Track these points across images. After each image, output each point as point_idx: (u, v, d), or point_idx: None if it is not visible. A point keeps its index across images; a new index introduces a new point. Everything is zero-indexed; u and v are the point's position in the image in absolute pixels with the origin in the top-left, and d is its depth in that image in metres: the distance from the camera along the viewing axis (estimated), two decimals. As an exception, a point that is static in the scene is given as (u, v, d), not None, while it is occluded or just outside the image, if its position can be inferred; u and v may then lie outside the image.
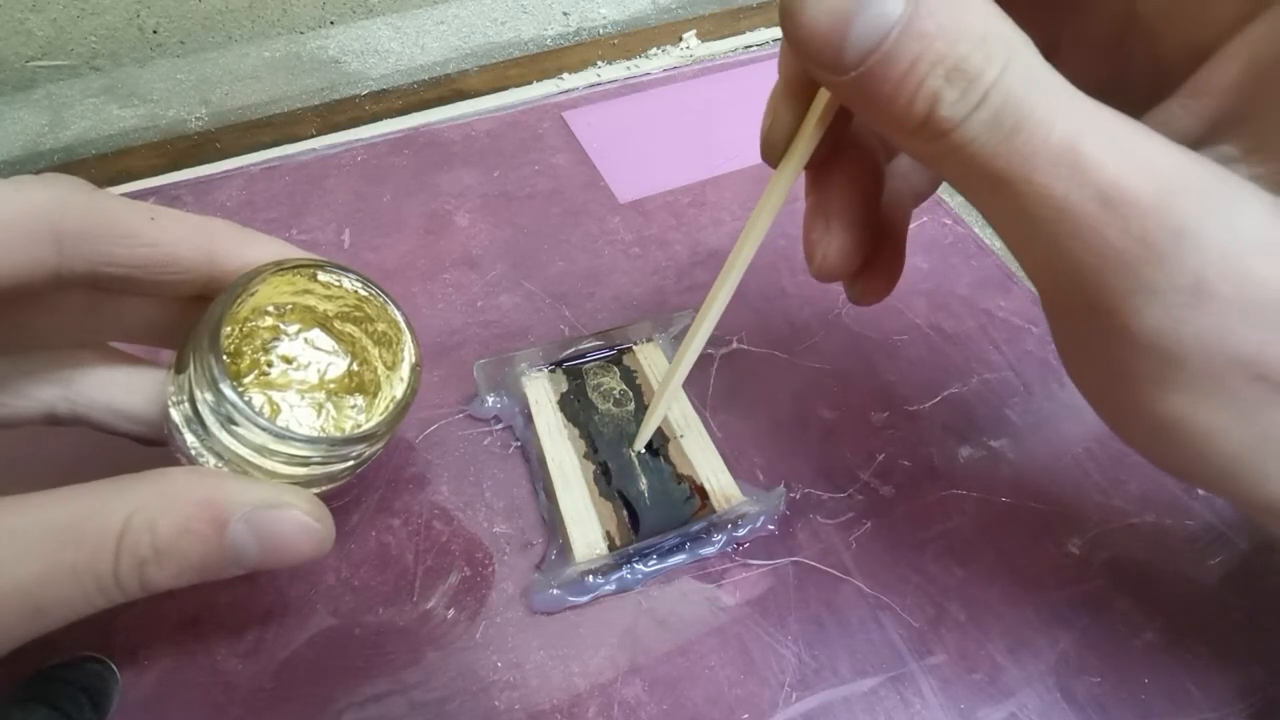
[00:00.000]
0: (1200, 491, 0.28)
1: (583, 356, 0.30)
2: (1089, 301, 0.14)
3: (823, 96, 0.18)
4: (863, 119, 0.18)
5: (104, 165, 0.39)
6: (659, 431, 0.28)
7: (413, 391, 0.22)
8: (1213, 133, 0.15)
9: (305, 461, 0.19)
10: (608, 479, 0.27)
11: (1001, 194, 0.14)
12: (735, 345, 0.31)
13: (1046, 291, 0.16)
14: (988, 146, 0.13)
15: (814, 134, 0.18)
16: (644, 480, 0.27)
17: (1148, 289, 0.13)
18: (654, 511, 0.26)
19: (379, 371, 0.23)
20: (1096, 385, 0.16)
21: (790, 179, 0.19)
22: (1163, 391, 0.14)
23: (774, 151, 0.20)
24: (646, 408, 0.29)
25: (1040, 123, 0.13)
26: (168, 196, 0.37)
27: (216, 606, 0.24)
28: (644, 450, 0.27)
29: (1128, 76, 0.17)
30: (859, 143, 0.20)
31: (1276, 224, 0.13)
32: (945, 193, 0.39)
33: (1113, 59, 0.17)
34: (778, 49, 0.47)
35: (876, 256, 0.21)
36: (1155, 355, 0.14)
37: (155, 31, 0.41)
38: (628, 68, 0.46)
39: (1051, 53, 0.18)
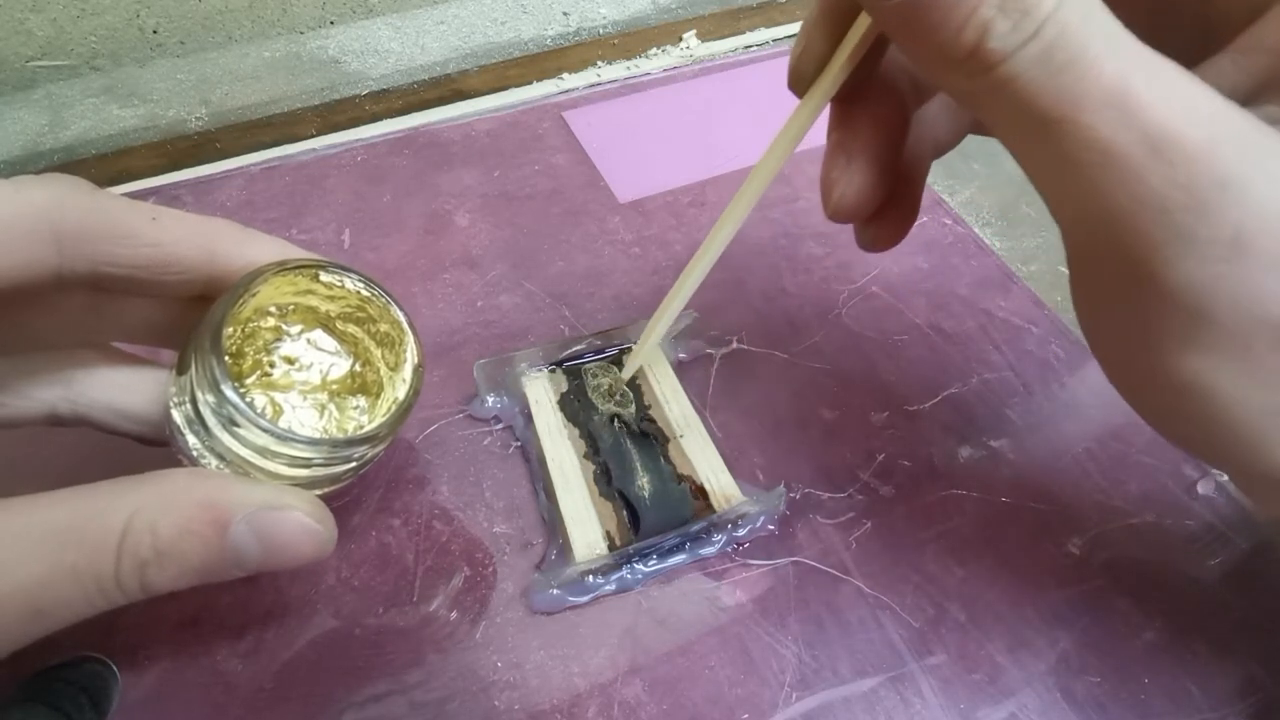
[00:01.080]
0: (1200, 491, 0.28)
1: (583, 356, 0.30)
2: (1122, 250, 0.14)
3: (859, 26, 0.17)
4: (904, 49, 0.18)
5: (104, 165, 0.39)
6: (659, 431, 0.28)
7: (415, 392, 0.22)
8: (1261, 90, 0.14)
9: (307, 463, 0.19)
10: (608, 479, 0.27)
11: (1044, 135, 0.13)
12: (735, 345, 0.31)
13: (1077, 241, 0.15)
14: (1036, 82, 0.13)
15: (846, 64, 0.18)
16: (644, 480, 0.27)
17: (1186, 238, 0.13)
18: (654, 511, 0.26)
19: (381, 372, 0.23)
20: (1114, 344, 0.16)
21: (815, 110, 0.19)
22: (1185, 350, 0.14)
23: (802, 80, 0.19)
24: (647, 408, 0.29)
25: (1094, 60, 0.12)
26: (168, 196, 0.37)
27: (217, 607, 0.24)
28: (628, 389, 0.28)
29: (1174, 28, 0.16)
30: (888, 82, 0.20)
31: None
32: (945, 193, 0.39)
33: (1163, 11, 0.17)
34: (778, 49, 0.47)
35: (891, 204, 0.21)
36: (1183, 309, 0.13)
37: (155, 31, 0.41)
38: (628, 68, 0.46)
39: None
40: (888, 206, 0.21)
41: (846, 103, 0.20)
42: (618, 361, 0.30)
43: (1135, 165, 0.13)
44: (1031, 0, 0.12)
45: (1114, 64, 0.12)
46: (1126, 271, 0.14)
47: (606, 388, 0.27)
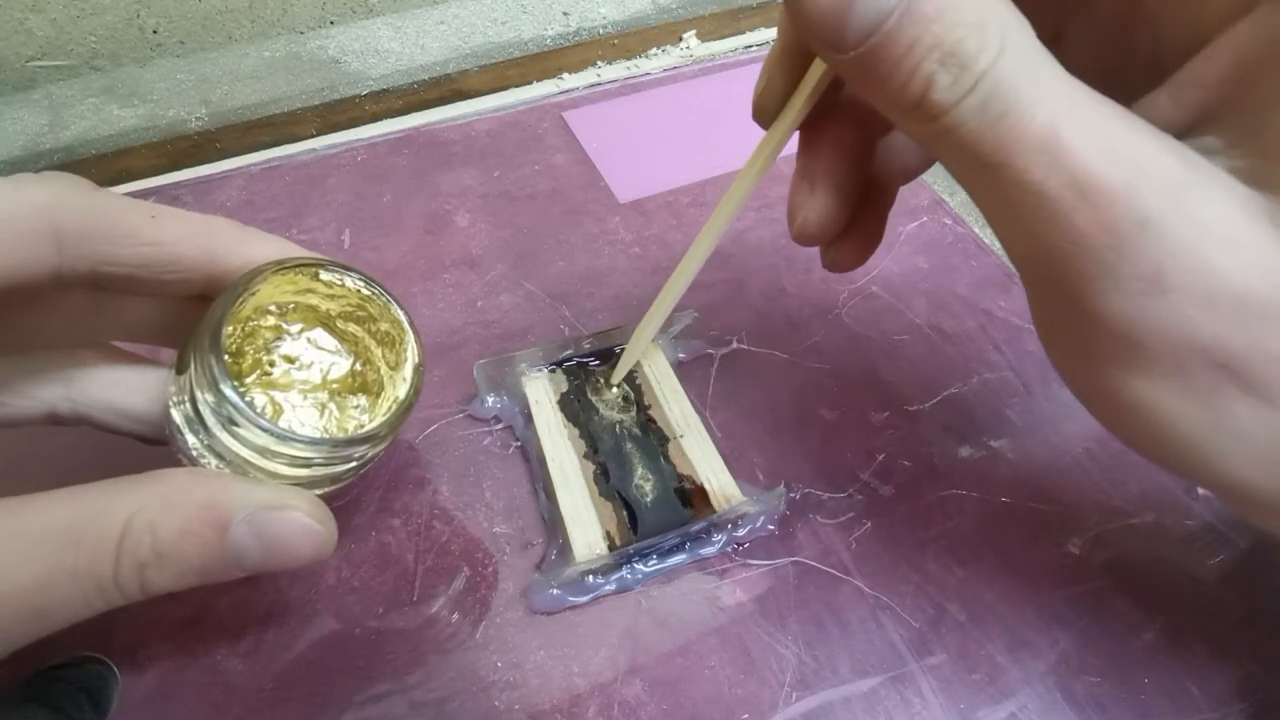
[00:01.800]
0: (1200, 491, 0.28)
1: (583, 356, 0.30)
2: (1061, 285, 0.15)
3: (818, 65, 0.18)
4: (859, 93, 0.19)
5: (104, 165, 0.39)
6: (659, 431, 0.28)
7: (416, 392, 0.22)
8: (1197, 124, 0.15)
9: (307, 463, 0.19)
10: (607, 479, 0.27)
11: (987, 178, 0.14)
12: (735, 345, 0.31)
13: (1025, 274, 0.16)
14: (976, 131, 0.13)
15: (806, 102, 0.19)
16: (644, 480, 0.27)
17: (1111, 275, 0.14)
18: (654, 511, 0.26)
19: (382, 371, 0.23)
20: (1069, 366, 0.17)
21: (779, 142, 0.20)
22: (1126, 374, 0.15)
23: (765, 114, 0.20)
24: (647, 407, 0.29)
25: (1026, 110, 0.13)
26: (168, 196, 0.37)
27: (217, 607, 0.24)
28: (620, 386, 0.28)
29: (1131, 64, 0.17)
30: (851, 111, 0.20)
31: (1243, 217, 0.13)
32: (945, 193, 0.39)
33: (1117, 45, 0.17)
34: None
35: (855, 226, 0.21)
36: (1118, 339, 0.14)
37: (155, 31, 0.41)
38: (628, 68, 0.46)
39: (1057, 38, 0.18)
40: (852, 230, 0.21)
41: (811, 129, 0.20)
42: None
43: (1065, 207, 0.13)
44: (969, 54, 0.13)
45: (1045, 111, 0.13)
46: (1067, 304, 0.15)
47: (619, 400, 0.27)
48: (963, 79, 0.13)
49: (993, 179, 0.14)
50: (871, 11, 0.13)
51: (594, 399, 0.29)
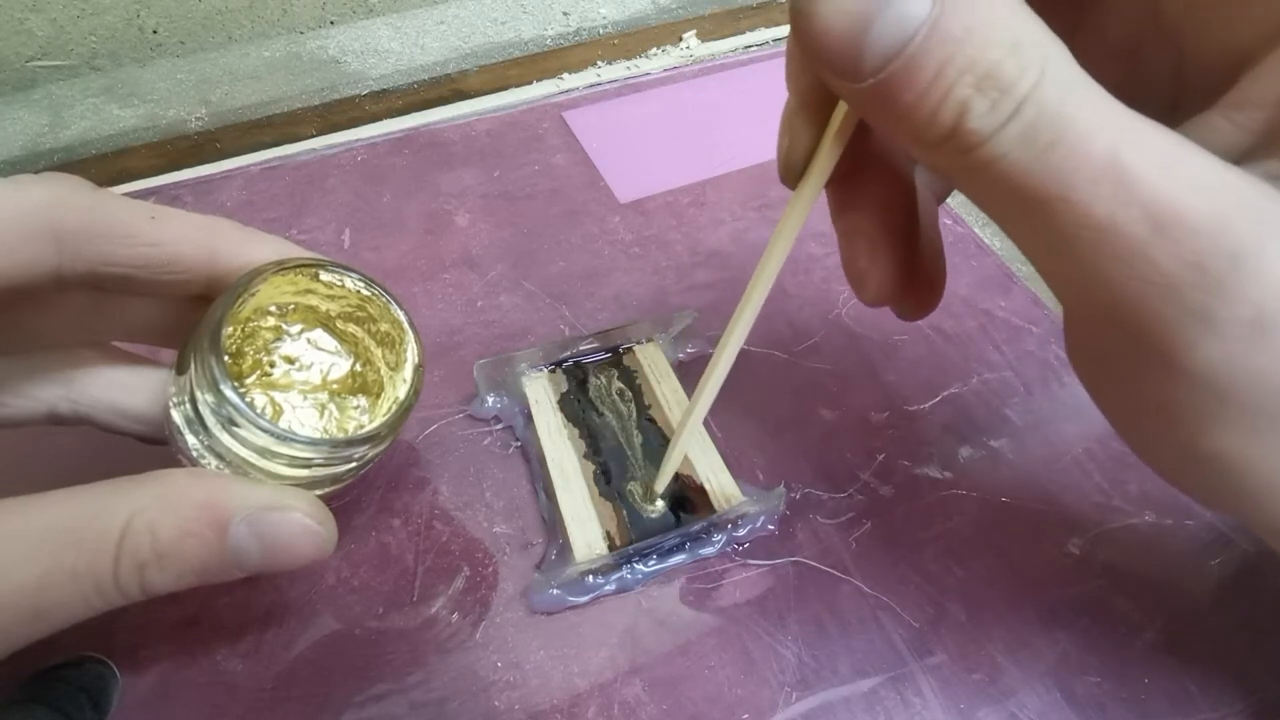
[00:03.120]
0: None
1: (583, 356, 0.30)
2: (1132, 331, 0.13)
3: (840, 109, 0.16)
4: (881, 131, 0.17)
5: (104, 165, 0.39)
6: (658, 431, 0.28)
7: (416, 392, 0.22)
8: (1258, 147, 0.14)
9: (307, 463, 0.19)
10: (608, 479, 0.27)
11: (1034, 214, 0.13)
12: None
13: (1081, 319, 0.15)
14: (1020, 162, 0.12)
15: (833, 150, 0.17)
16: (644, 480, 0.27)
17: (1203, 319, 0.12)
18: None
19: (382, 372, 0.23)
20: (1129, 417, 0.15)
21: (811, 199, 0.18)
22: (1208, 428, 0.13)
23: (794, 173, 0.18)
24: (648, 407, 0.29)
25: (1080, 136, 0.12)
26: (168, 197, 0.37)
27: (217, 607, 0.24)
28: (662, 498, 0.26)
29: (1144, 81, 0.16)
30: (885, 154, 0.19)
31: None
32: (945, 193, 0.39)
33: (1129, 61, 0.16)
34: (778, 49, 0.47)
35: (921, 265, 0.20)
36: (1205, 391, 0.13)
37: (155, 31, 0.41)
38: (628, 68, 0.46)
39: None
40: (917, 271, 0.20)
41: (847, 185, 0.19)
42: (617, 362, 0.30)
43: (1138, 243, 0.12)
44: (1009, 77, 0.12)
45: (1103, 137, 0.12)
46: (1137, 352, 0.13)
47: (641, 493, 0.26)
48: (1002, 105, 0.12)
49: (1042, 215, 0.12)
50: (892, 32, 0.12)
51: (590, 384, 0.29)
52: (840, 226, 0.19)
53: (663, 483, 0.25)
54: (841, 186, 0.19)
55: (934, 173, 0.15)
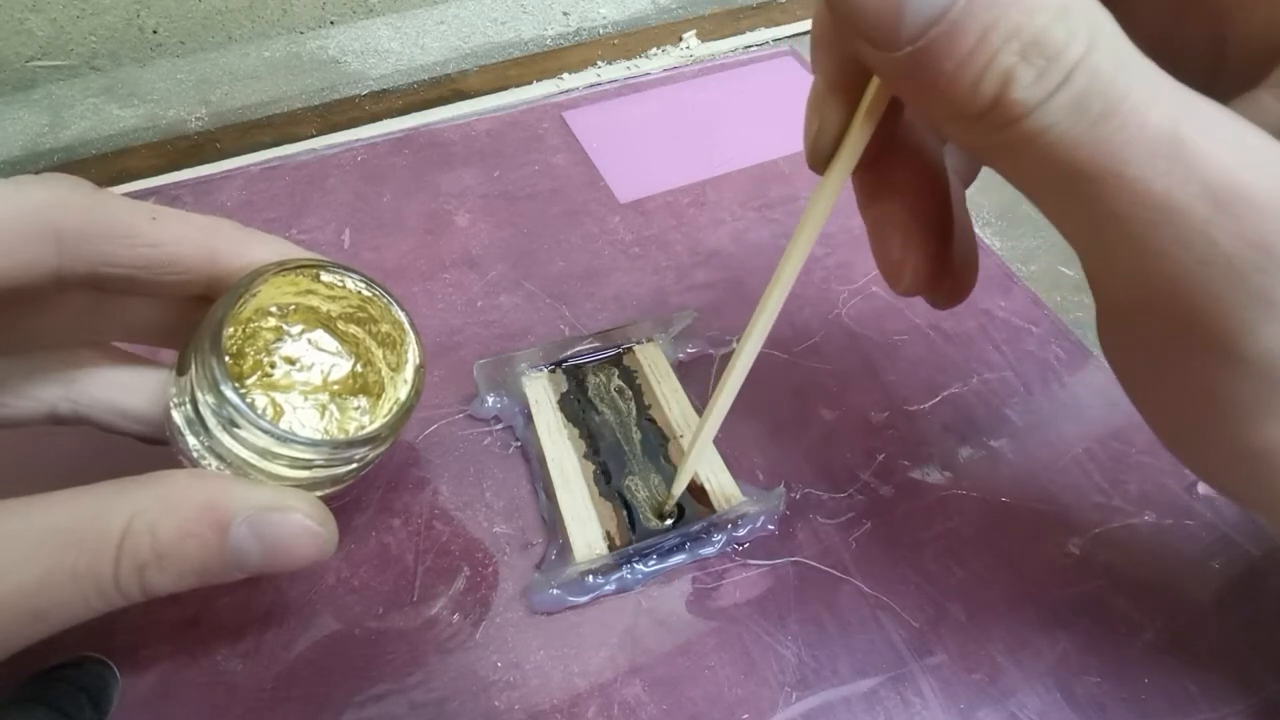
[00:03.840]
0: (1201, 491, 0.28)
1: (583, 356, 0.30)
2: (1183, 316, 0.12)
3: (872, 87, 0.16)
4: (914, 105, 0.16)
5: (104, 165, 0.39)
6: (659, 432, 0.28)
7: (417, 393, 0.22)
8: None
9: (308, 464, 0.19)
10: (607, 479, 0.27)
11: (1082, 191, 0.12)
12: (735, 345, 0.31)
13: (1123, 303, 0.14)
14: (1069, 135, 0.11)
15: (863, 130, 0.16)
16: (644, 482, 0.27)
17: (1264, 302, 0.11)
18: (654, 512, 0.26)
19: (383, 373, 0.23)
20: (1171, 411, 0.15)
21: (840, 183, 0.17)
22: (1262, 420, 0.13)
23: (822, 158, 0.17)
24: (647, 407, 0.29)
25: (1135, 108, 0.11)
26: (168, 197, 0.37)
27: (216, 607, 0.24)
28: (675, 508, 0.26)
29: (1179, 61, 0.15)
30: (915, 139, 0.18)
31: None
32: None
33: (1167, 41, 0.16)
34: (778, 49, 0.47)
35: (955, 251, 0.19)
36: (1262, 379, 0.12)
37: (155, 31, 0.41)
38: (628, 68, 0.46)
39: None
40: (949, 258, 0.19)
41: (875, 173, 0.18)
42: (617, 361, 0.30)
43: (1197, 222, 0.11)
44: (1058, 43, 0.11)
45: (1160, 109, 0.11)
46: (1190, 337, 0.13)
47: (655, 507, 0.26)
48: (1050, 73, 0.11)
49: (1091, 192, 0.12)
50: None
51: (590, 384, 0.29)
52: (870, 217, 0.19)
53: (678, 491, 0.25)
54: (870, 174, 0.18)
55: (968, 151, 0.14)
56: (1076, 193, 0.12)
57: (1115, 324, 0.15)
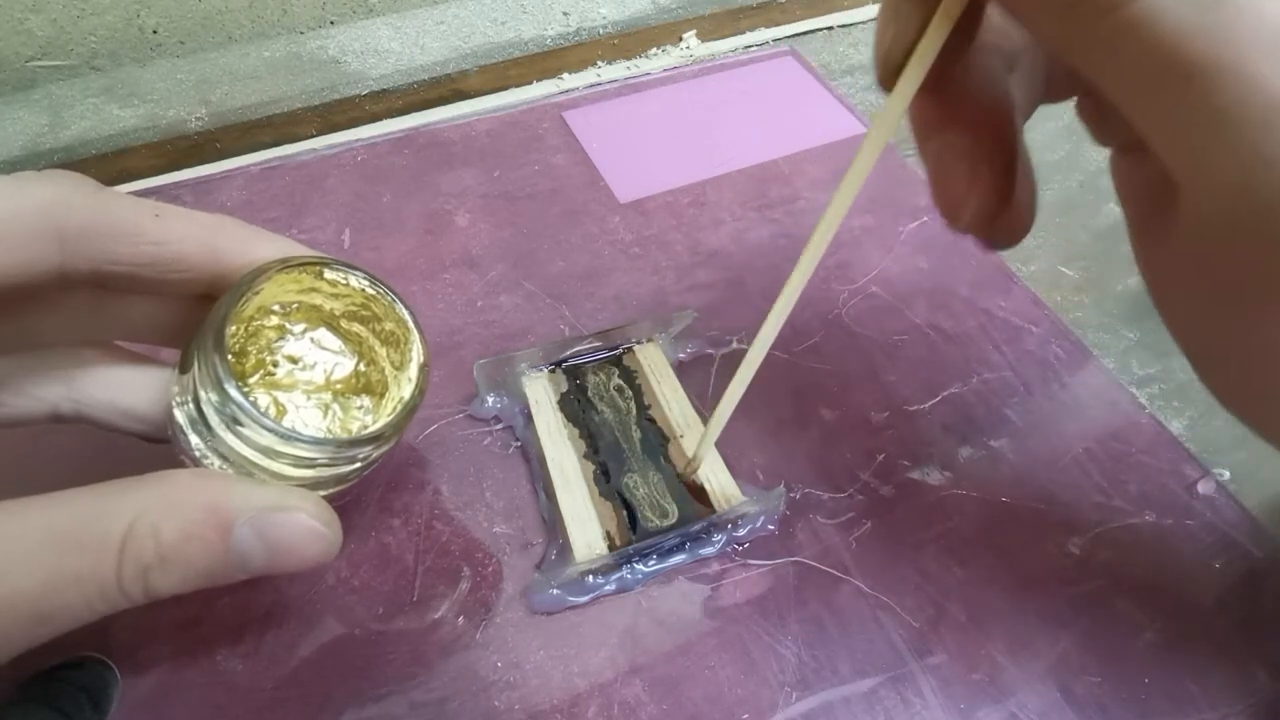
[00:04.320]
0: (1200, 491, 0.28)
1: (583, 356, 0.30)
2: None
3: None
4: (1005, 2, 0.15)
5: (104, 165, 0.39)
6: (659, 431, 0.28)
7: (421, 392, 0.22)
8: None
9: (311, 463, 0.19)
10: (607, 479, 0.27)
11: (1184, 88, 0.11)
12: (735, 345, 0.31)
13: (1218, 222, 0.12)
14: (1178, 23, 0.10)
15: (939, 31, 0.15)
16: (644, 480, 0.27)
17: None
18: (655, 512, 0.26)
19: (386, 372, 0.23)
20: (1242, 356, 0.13)
21: (910, 91, 0.16)
22: None
23: (894, 68, 0.16)
24: (647, 407, 0.29)
25: None
26: (168, 197, 0.37)
27: (217, 607, 0.24)
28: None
29: None
30: (981, 63, 0.17)
31: None
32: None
33: None
34: (778, 49, 0.47)
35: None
36: None
37: (155, 31, 0.41)
38: (628, 68, 0.46)
39: None
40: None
41: (939, 102, 0.17)
42: (617, 361, 0.30)
43: None
44: None
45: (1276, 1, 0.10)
46: None
47: (656, 509, 0.26)
48: None
49: (1194, 89, 0.11)
50: None
51: (590, 384, 0.29)
52: (931, 149, 0.18)
53: (707, 446, 0.25)
54: (934, 103, 0.17)
55: (1057, 49, 0.13)
56: (1176, 89, 0.11)
57: (1195, 248, 0.13)
